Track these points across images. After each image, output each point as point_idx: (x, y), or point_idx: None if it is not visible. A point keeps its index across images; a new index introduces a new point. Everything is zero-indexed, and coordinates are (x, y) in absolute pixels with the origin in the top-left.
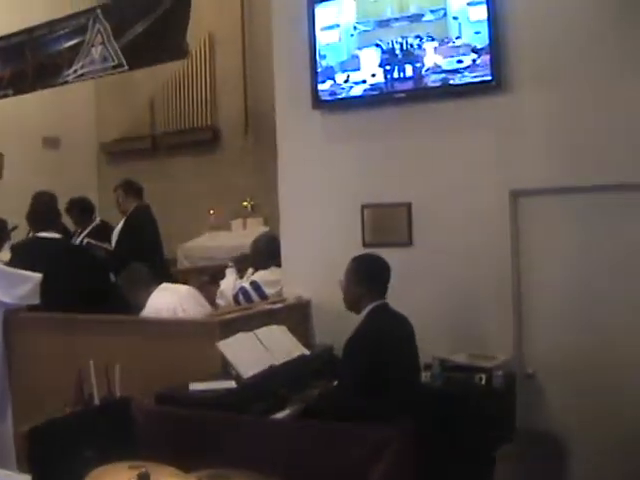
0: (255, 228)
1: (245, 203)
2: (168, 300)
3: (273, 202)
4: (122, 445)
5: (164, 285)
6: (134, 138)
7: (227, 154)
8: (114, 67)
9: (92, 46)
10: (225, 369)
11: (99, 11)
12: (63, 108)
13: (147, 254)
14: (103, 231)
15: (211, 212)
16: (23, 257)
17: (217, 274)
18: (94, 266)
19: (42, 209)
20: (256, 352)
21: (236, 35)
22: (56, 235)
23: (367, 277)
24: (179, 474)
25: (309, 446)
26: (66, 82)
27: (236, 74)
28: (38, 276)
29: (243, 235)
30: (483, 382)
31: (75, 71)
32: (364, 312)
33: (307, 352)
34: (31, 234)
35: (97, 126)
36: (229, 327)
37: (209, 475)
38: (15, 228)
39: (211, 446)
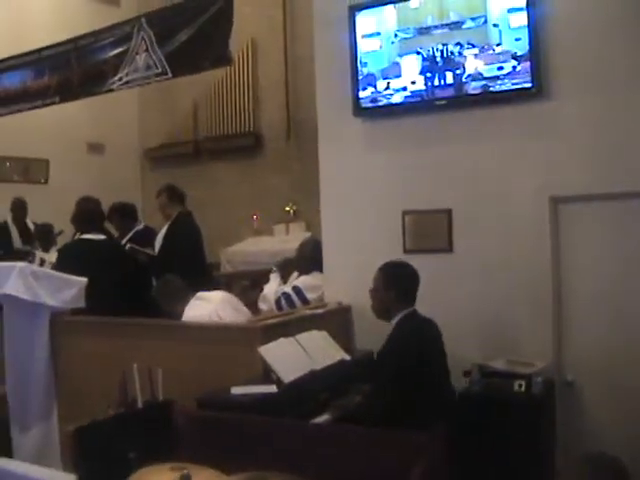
0: (297, 233)
1: (287, 208)
2: (203, 311)
3: (315, 207)
4: (164, 448)
5: (199, 294)
6: (177, 144)
7: (269, 160)
8: (158, 75)
9: (136, 54)
10: (266, 374)
11: (143, 20)
12: (107, 114)
13: (189, 261)
14: (146, 236)
15: (254, 217)
16: (69, 259)
17: (258, 279)
18: (137, 270)
19: (87, 211)
20: (297, 357)
21: (278, 41)
22: (101, 236)
23: (396, 285)
24: (220, 476)
25: (347, 451)
26: (111, 90)
27: (278, 80)
28: (83, 280)
29: (286, 240)
30: (522, 389)
31: (120, 79)
32: (394, 321)
33: (348, 357)
34: (76, 236)
35: (140, 132)
36: (271, 332)
37: (249, 478)
38: (61, 233)
39: (251, 450)
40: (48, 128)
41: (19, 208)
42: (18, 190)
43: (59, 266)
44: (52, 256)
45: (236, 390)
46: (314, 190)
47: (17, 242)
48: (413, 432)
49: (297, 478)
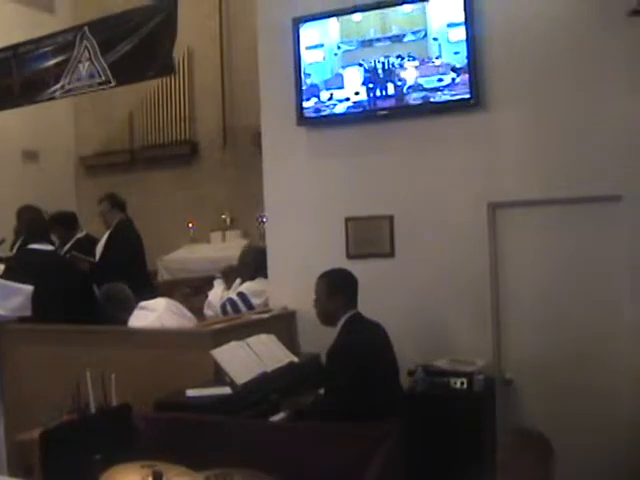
0: (234, 241)
1: (224, 216)
2: (146, 320)
3: (251, 215)
4: (125, 450)
5: (142, 304)
6: (112, 152)
7: (205, 168)
8: (101, 83)
9: (79, 62)
10: (217, 377)
11: (86, 28)
12: (42, 122)
13: (131, 268)
14: (87, 244)
15: (190, 225)
16: (18, 269)
17: (199, 285)
18: (80, 279)
19: (33, 221)
20: (248, 360)
21: (214, 50)
22: (49, 247)
23: (340, 290)
24: (189, 472)
25: (305, 446)
26: (53, 98)
27: (214, 89)
28: (29, 288)
29: (222, 248)
30: (465, 386)
31: (62, 87)
32: (340, 323)
33: (296, 360)
34: (18, 246)
35: (76, 140)
36: (220, 336)
37: (215, 474)
38: (3, 241)
39: (212, 449)
40: None
41: None
42: None
43: (7, 276)
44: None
45: (191, 392)
46: (250, 198)
47: None
48: (370, 426)
49: (260, 474)
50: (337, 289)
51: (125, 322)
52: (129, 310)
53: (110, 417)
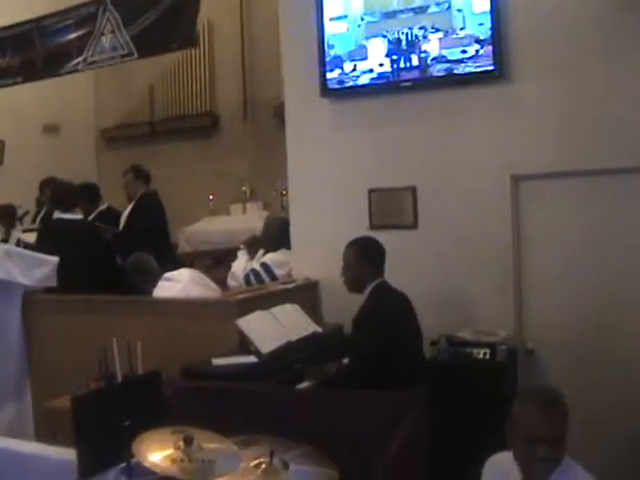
0: (254, 213)
1: (244, 188)
2: (171, 291)
3: (271, 187)
4: (154, 417)
5: (166, 275)
6: (133, 124)
7: (225, 140)
8: (124, 56)
9: (102, 35)
10: (242, 346)
11: (108, 1)
12: (62, 95)
13: (155, 239)
14: (110, 216)
15: (210, 197)
16: (50, 238)
17: (220, 257)
18: (105, 248)
19: (65, 191)
20: (273, 329)
21: (235, 22)
22: (78, 216)
23: (368, 257)
24: (219, 438)
25: (331, 413)
26: (76, 70)
27: (234, 61)
28: (55, 259)
29: (243, 220)
30: (487, 356)
31: (85, 59)
32: (367, 291)
33: (320, 329)
34: (42, 216)
35: (96, 113)
36: (245, 306)
37: (243, 440)
38: (27, 213)
39: (239, 416)
40: (2, 109)
41: None
42: None
43: (39, 245)
44: (27, 236)
45: (217, 361)
46: (271, 170)
47: None
48: (395, 394)
49: (286, 441)
50: (366, 256)
51: (149, 293)
52: (154, 281)
53: (139, 384)
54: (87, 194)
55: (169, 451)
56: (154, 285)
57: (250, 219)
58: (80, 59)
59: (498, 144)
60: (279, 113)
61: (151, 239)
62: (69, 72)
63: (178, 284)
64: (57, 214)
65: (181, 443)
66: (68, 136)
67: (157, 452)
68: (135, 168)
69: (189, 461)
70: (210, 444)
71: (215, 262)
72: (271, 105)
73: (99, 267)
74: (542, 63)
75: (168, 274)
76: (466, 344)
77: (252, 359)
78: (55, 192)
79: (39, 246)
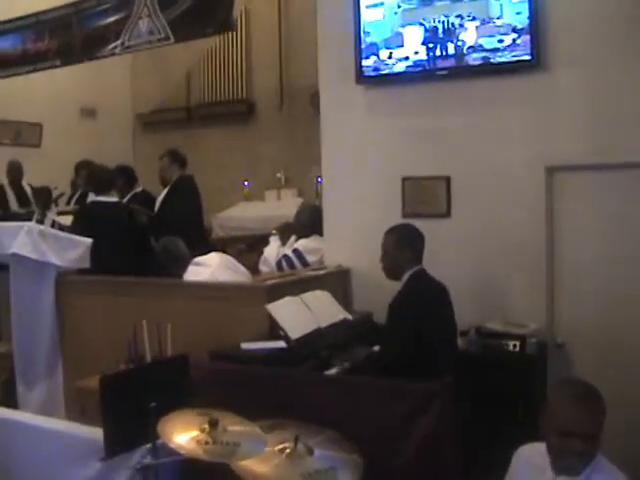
0: (289, 199)
1: (279, 175)
2: (201, 276)
3: (306, 174)
4: (181, 399)
5: (196, 260)
6: (169, 109)
7: (261, 127)
8: (160, 40)
9: (139, 19)
10: (272, 331)
11: None
12: (100, 79)
13: (189, 223)
14: (144, 199)
15: (245, 183)
16: (87, 220)
17: (254, 243)
18: (140, 231)
19: (102, 174)
20: (303, 315)
21: (272, 10)
22: (114, 198)
23: (407, 244)
24: (244, 421)
25: (357, 399)
26: (113, 54)
27: (271, 48)
28: (88, 240)
29: (277, 206)
30: (517, 349)
31: (122, 43)
32: (405, 277)
33: (350, 317)
34: (77, 198)
35: (133, 97)
36: (275, 291)
37: (268, 424)
38: (62, 195)
39: (266, 400)
40: (40, 94)
41: (15, 171)
42: (11, 154)
43: (75, 227)
44: (62, 218)
45: (246, 345)
46: (306, 157)
47: (13, 205)
48: (422, 382)
49: (312, 425)
50: (405, 243)
51: (179, 277)
52: (184, 265)
53: (167, 366)
54: (124, 176)
55: (194, 433)
56: (184, 269)
57: (284, 205)
58: (117, 43)
59: (533, 134)
60: (315, 101)
61: (185, 223)
62: (106, 56)
63: (208, 269)
64: (93, 196)
65: (206, 425)
66: (105, 120)
67: (182, 433)
68: (172, 152)
69: (214, 443)
70: (235, 427)
71: (248, 247)
72: (307, 93)
73: (133, 249)
74: (579, 53)
75: (198, 259)
76: (496, 335)
77: (281, 344)
78: (91, 175)
79: (75, 228)
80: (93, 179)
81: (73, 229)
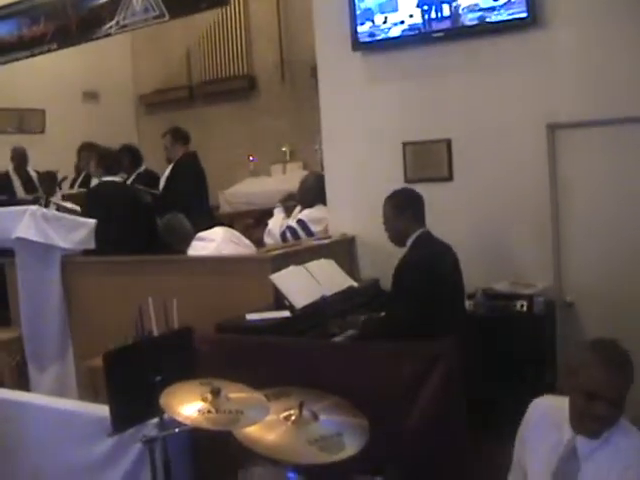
0: (295, 173)
1: (284, 149)
2: (206, 250)
3: (311, 147)
4: (186, 371)
5: (199, 235)
6: (171, 89)
7: (264, 102)
8: (155, 17)
9: None
10: (277, 302)
11: None
12: (101, 62)
13: (194, 200)
14: (148, 178)
15: (250, 158)
16: (98, 199)
17: (261, 217)
18: (144, 210)
19: (110, 154)
20: (307, 284)
21: None
22: (118, 178)
23: (406, 208)
24: (246, 389)
25: (364, 364)
26: (109, 34)
27: (270, 22)
28: (92, 222)
29: (283, 180)
30: (524, 308)
31: (117, 23)
32: (409, 241)
33: (355, 284)
34: (81, 182)
35: (134, 78)
36: (280, 262)
37: (273, 392)
38: (65, 178)
39: (271, 369)
40: (42, 78)
41: (20, 157)
42: (15, 141)
43: (89, 208)
44: (66, 202)
45: (251, 316)
46: (310, 130)
47: (19, 191)
48: (426, 345)
49: (316, 392)
50: (404, 207)
51: (183, 253)
52: (187, 241)
53: (172, 339)
54: (129, 156)
55: (197, 403)
56: (187, 245)
57: (290, 179)
58: (112, 23)
59: (533, 93)
60: (316, 73)
61: (190, 200)
62: (102, 37)
63: (211, 243)
64: (96, 179)
65: (208, 395)
66: (107, 103)
67: (185, 404)
68: (173, 130)
69: (217, 412)
70: (238, 394)
71: (255, 222)
72: (308, 65)
73: (140, 229)
74: (576, 9)
75: (202, 234)
76: (503, 297)
77: (286, 314)
78: (101, 158)
79: (87, 209)
80: (103, 161)
81: (85, 210)
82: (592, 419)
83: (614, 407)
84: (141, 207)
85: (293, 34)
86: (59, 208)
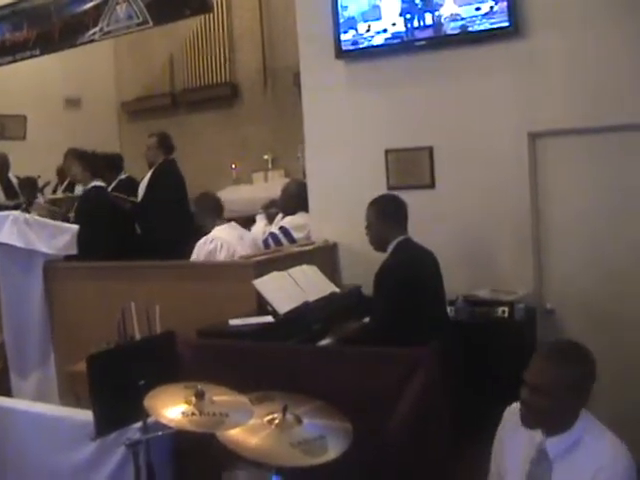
0: (276, 181)
1: (266, 157)
2: (231, 238)
3: (293, 155)
4: (169, 375)
5: (234, 224)
6: (153, 96)
7: (246, 109)
8: (139, 24)
9: (117, 4)
10: (260, 308)
11: None
12: (83, 69)
13: (174, 208)
14: (129, 186)
15: (233, 166)
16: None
17: (242, 224)
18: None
19: (96, 159)
20: (290, 289)
21: None
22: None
23: (389, 214)
24: (230, 392)
25: (346, 369)
26: (92, 40)
27: (253, 30)
28: (75, 227)
29: (265, 188)
30: (506, 315)
31: (101, 29)
32: (390, 247)
33: (338, 290)
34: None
35: (117, 85)
36: (262, 268)
37: (258, 396)
38: (48, 184)
39: (254, 374)
40: (24, 85)
41: (1, 163)
42: None
43: (84, 212)
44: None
45: (234, 322)
46: (292, 138)
47: (0, 197)
48: (407, 349)
49: (299, 396)
50: (385, 213)
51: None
52: (212, 220)
53: (155, 343)
54: (108, 164)
55: (181, 405)
56: (212, 225)
57: (272, 187)
58: (96, 29)
59: (514, 101)
60: (299, 81)
61: (170, 208)
62: (85, 42)
63: (239, 239)
64: (80, 186)
65: (193, 397)
66: (89, 110)
67: (169, 407)
68: (161, 135)
69: (201, 414)
70: (221, 397)
71: None
72: (291, 73)
73: (120, 235)
74: (557, 18)
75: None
76: (484, 303)
77: (269, 319)
78: (92, 160)
79: (82, 213)
80: (93, 164)
81: (81, 214)
82: (521, 403)
83: (535, 394)
84: (119, 214)
85: (275, 42)
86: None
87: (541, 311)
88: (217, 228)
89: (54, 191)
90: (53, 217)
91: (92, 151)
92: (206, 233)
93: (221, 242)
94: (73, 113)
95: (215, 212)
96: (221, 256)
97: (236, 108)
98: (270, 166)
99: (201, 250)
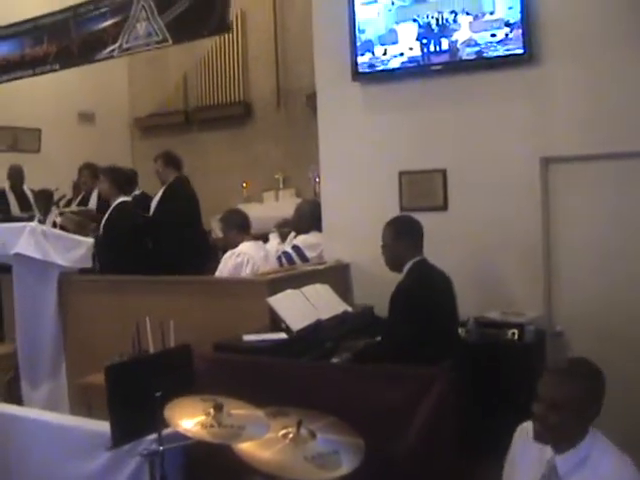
0: (287, 200)
1: (277, 176)
2: (257, 256)
3: (304, 175)
4: (185, 388)
5: (261, 243)
6: (167, 113)
7: (259, 129)
8: (158, 42)
9: (137, 22)
10: (273, 325)
11: None
12: (98, 84)
13: (186, 224)
14: (143, 202)
15: (244, 185)
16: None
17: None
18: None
19: (124, 175)
20: (303, 307)
21: (267, 11)
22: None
23: (405, 235)
24: (247, 406)
25: (357, 386)
26: (111, 57)
27: (267, 50)
28: (90, 241)
29: (275, 207)
30: (515, 337)
31: (120, 46)
32: (406, 267)
33: (350, 309)
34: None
35: (131, 101)
36: (276, 286)
37: (271, 410)
38: (63, 197)
39: (268, 389)
40: (39, 98)
41: (16, 175)
42: (11, 159)
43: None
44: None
45: (248, 337)
46: (303, 158)
47: (15, 209)
48: (420, 368)
49: (313, 412)
50: (402, 234)
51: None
52: (236, 236)
53: (171, 356)
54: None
55: (200, 417)
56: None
57: (282, 206)
58: (115, 46)
59: (528, 127)
60: (312, 102)
61: (182, 224)
62: (104, 59)
63: (264, 259)
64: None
65: (211, 410)
66: (103, 125)
67: (188, 418)
68: (165, 155)
69: (219, 426)
70: (239, 411)
71: None
72: (304, 94)
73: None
74: (571, 46)
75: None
76: (494, 325)
77: (282, 336)
78: (118, 177)
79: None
80: (119, 180)
81: (113, 228)
82: (533, 418)
83: (548, 409)
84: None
85: (290, 62)
86: (55, 225)
87: (550, 333)
88: (244, 244)
89: (67, 204)
90: (81, 228)
91: (113, 166)
92: (231, 248)
93: (247, 257)
94: (87, 128)
95: (242, 228)
96: (246, 271)
97: (248, 127)
98: (281, 185)
99: (227, 263)
